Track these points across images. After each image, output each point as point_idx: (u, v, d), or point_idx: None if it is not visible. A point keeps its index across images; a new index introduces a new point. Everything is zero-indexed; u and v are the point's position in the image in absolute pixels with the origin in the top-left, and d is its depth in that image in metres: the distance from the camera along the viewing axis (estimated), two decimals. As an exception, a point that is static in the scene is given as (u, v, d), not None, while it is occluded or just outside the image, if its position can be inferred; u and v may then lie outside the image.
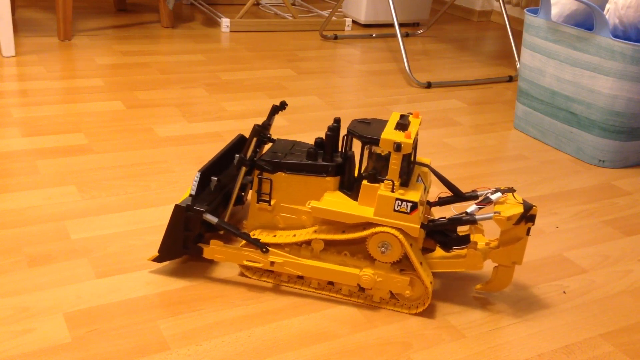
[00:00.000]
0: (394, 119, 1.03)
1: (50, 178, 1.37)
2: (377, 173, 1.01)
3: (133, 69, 2.07)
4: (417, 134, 1.04)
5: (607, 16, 1.63)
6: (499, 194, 1.02)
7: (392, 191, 0.98)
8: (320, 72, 2.22)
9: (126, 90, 1.89)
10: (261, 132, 1.06)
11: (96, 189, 1.34)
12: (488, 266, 1.15)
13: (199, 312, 1.01)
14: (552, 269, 1.21)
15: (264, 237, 1.07)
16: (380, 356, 0.95)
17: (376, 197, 0.99)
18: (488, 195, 1.03)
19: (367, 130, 1.01)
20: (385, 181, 0.99)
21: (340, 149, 1.07)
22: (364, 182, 1.01)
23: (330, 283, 1.08)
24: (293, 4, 3.10)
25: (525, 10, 1.79)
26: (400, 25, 2.58)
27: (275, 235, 1.07)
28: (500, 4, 2.53)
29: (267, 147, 1.53)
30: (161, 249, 1.08)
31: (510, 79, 2.31)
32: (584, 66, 1.63)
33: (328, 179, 1.05)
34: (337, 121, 1.06)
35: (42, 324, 0.95)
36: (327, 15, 2.74)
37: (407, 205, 0.98)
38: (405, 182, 1.01)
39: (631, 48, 1.53)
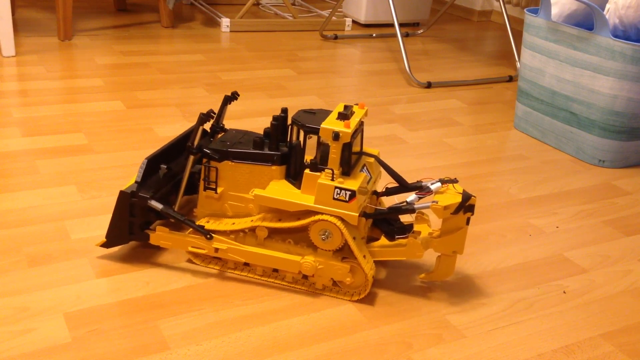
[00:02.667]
0: (338, 109, 1.05)
1: (50, 178, 1.37)
2: (323, 162, 1.02)
3: (133, 69, 2.07)
4: (361, 124, 1.06)
5: (607, 16, 1.63)
6: (438, 184, 1.04)
7: (332, 180, 1.00)
8: (320, 72, 2.22)
9: (126, 90, 1.89)
10: (206, 120, 1.07)
11: (96, 189, 1.34)
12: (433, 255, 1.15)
13: (199, 312, 1.01)
14: (552, 269, 1.21)
15: (211, 224, 1.09)
16: (380, 356, 0.95)
17: (316, 185, 1.01)
18: (428, 185, 1.04)
19: (309, 120, 1.04)
20: (325, 170, 1.01)
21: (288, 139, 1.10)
22: (306, 170, 1.03)
23: (275, 270, 1.10)
24: (293, 4, 3.10)
25: (525, 10, 1.79)
26: (400, 25, 2.57)
27: (233, 223, 1.09)
28: (500, 4, 2.53)
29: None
30: (108, 235, 1.09)
31: (510, 79, 2.31)
32: (584, 66, 1.63)
33: (274, 167, 1.07)
34: (284, 111, 1.08)
35: (42, 324, 0.95)
36: (327, 15, 2.74)
37: (345, 194, 0.99)
38: (346, 171, 1.02)
39: (631, 48, 1.53)
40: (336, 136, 0.99)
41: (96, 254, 1.12)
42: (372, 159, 1.10)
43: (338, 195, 1.00)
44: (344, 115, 1.01)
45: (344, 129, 0.99)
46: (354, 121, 1.02)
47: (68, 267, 1.09)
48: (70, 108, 1.73)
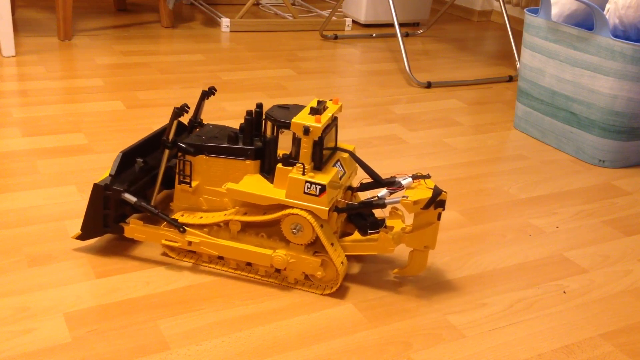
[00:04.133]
0: (311, 105, 1.05)
1: (50, 178, 1.37)
2: (296, 157, 1.03)
3: (133, 69, 2.07)
4: (334, 119, 1.07)
5: (607, 16, 1.63)
6: (409, 180, 1.05)
7: (303, 174, 1.01)
8: (320, 72, 2.22)
9: (126, 90, 1.89)
10: (180, 114, 1.07)
11: (96, 189, 1.34)
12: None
13: (199, 312, 1.01)
14: (552, 269, 1.21)
15: (185, 218, 1.10)
16: (380, 356, 0.95)
17: (287, 179, 1.02)
18: (400, 180, 1.05)
19: (282, 115, 1.05)
20: (297, 164, 1.02)
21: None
22: (279, 165, 1.04)
23: (249, 264, 1.10)
24: (293, 4, 3.10)
25: (525, 10, 1.79)
26: (400, 25, 2.57)
27: (201, 217, 1.10)
28: (500, 4, 2.53)
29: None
30: (83, 227, 1.10)
31: (510, 79, 2.31)
32: (584, 66, 1.63)
33: (247, 162, 1.08)
34: (259, 106, 1.09)
35: (42, 324, 0.95)
36: (327, 15, 2.74)
37: (316, 188, 1.00)
38: (318, 166, 1.03)
39: (631, 48, 1.53)
40: (306, 131, 1.00)
41: (96, 254, 1.12)
42: (346, 155, 1.11)
43: (309, 190, 1.01)
44: (316, 110, 1.03)
45: (315, 123, 1.00)
46: (325, 116, 1.03)
47: (68, 267, 1.09)
48: (70, 108, 1.73)
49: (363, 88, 2.10)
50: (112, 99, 1.82)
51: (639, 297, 1.14)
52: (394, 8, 2.30)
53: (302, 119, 1.01)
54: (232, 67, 2.18)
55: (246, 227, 1.09)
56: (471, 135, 1.79)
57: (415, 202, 1.01)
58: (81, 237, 1.12)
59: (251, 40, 2.52)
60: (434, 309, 1.06)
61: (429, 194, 1.02)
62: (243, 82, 2.04)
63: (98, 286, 1.05)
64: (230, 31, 2.62)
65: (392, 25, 2.83)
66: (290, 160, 1.03)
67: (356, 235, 1.08)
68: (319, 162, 1.03)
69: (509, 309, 1.08)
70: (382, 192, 1.06)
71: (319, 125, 1.00)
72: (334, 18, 2.74)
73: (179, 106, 1.08)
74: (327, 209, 1.00)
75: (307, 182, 1.00)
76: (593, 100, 1.63)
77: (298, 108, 1.08)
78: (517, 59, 2.39)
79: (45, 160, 1.44)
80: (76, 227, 1.19)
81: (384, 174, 1.51)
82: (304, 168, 1.01)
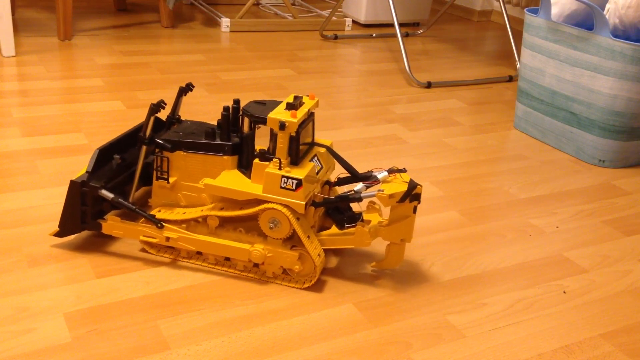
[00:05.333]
0: (288, 100, 1.06)
1: (50, 178, 1.37)
2: (272, 152, 1.04)
3: (133, 69, 2.07)
4: (311, 114, 1.08)
5: (607, 16, 1.63)
6: (385, 174, 1.06)
7: (280, 169, 1.02)
8: (320, 72, 2.22)
9: (126, 90, 1.89)
10: (156, 110, 1.08)
11: (96, 189, 1.34)
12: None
13: (199, 312, 1.01)
14: (552, 269, 1.21)
15: (163, 214, 1.11)
16: (380, 356, 0.95)
17: (264, 174, 1.03)
18: (376, 174, 1.06)
19: (258, 110, 1.06)
20: (274, 159, 1.02)
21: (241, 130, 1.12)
22: (256, 160, 1.04)
23: (228, 259, 1.11)
24: (293, 4, 3.10)
25: (525, 10, 1.79)
26: (400, 25, 2.57)
27: (179, 213, 1.11)
28: (500, 4, 2.53)
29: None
30: (61, 224, 1.11)
31: (510, 79, 2.31)
32: (584, 66, 1.63)
33: (225, 157, 1.09)
34: (236, 102, 1.10)
35: (42, 324, 0.95)
36: (327, 15, 2.74)
37: (292, 182, 1.01)
38: (294, 161, 1.03)
39: (631, 48, 1.53)
40: (282, 126, 1.00)
41: (96, 254, 1.12)
42: (323, 149, 1.11)
43: (285, 184, 1.02)
44: (292, 106, 1.03)
45: (291, 118, 1.01)
46: (301, 111, 1.03)
47: (68, 267, 1.09)
48: (70, 108, 1.73)
49: (363, 88, 2.10)
50: (112, 99, 1.82)
51: (638, 297, 1.14)
52: (394, 8, 2.30)
53: (278, 114, 1.02)
54: (232, 67, 2.18)
55: (224, 222, 1.10)
56: (471, 135, 1.80)
57: (391, 196, 1.02)
58: (59, 234, 1.12)
59: (251, 40, 2.52)
60: (434, 309, 1.06)
61: (404, 187, 1.03)
62: (243, 82, 2.04)
63: (98, 286, 1.05)
64: (230, 31, 2.62)
65: (392, 25, 2.83)
66: (266, 155, 1.04)
67: (334, 229, 1.09)
68: (296, 157, 1.04)
69: (509, 309, 1.08)
70: (359, 186, 1.07)
71: (295, 120, 1.01)
72: (334, 18, 2.74)
73: (155, 102, 1.09)
74: (304, 203, 1.01)
75: (283, 176, 1.02)
76: (593, 100, 1.63)
77: (275, 103, 1.09)
78: (517, 59, 2.39)
79: (45, 160, 1.44)
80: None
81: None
82: (280, 163, 1.02)
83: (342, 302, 1.06)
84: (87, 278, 1.06)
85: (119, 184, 1.14)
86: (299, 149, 1.04)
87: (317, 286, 1.09)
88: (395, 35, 2.57)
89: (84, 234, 1.18)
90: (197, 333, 0.96)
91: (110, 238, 1.17)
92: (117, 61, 2.14)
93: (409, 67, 2.19)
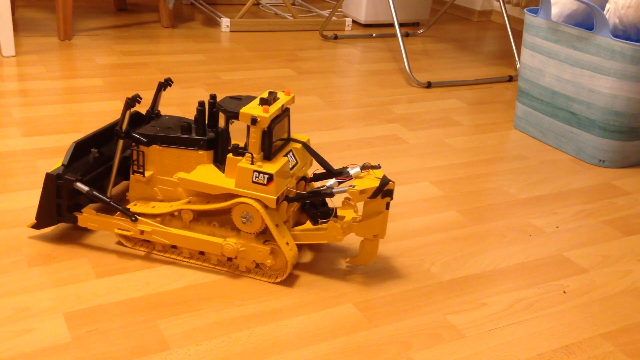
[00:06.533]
0: (263, 95, 1.06)
1: (50, 178, 1.37)
2: (246, 146, 1.05)
3: (133, 69, 2.07)
4: (286, 110, 1.09)
5: (607, 16, 1.63)
6: (357, 169, 1.06)
7: (252, 163, 1.02)
8: (320, 72, 2.22)
9: (126, 90, 1.89)
10: (131, 104, 1.09)
11: (96, 189, 1.34)
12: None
13: (199, 312, 1.01)
14: (552, 269, 1.21)
15: (138, 207, 1.12)
16: (380, 356, 0.95)
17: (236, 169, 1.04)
18: (348, 170, 1.07)
19: (232, 105, 1.06)
20: (246, 154, 1.03)
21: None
22: (229, 155, 1.05)
23: (202, 253, 1.12)
24: (293, 4, 3.10)
25: (525, 10, 1.79)
26: (400, 25, 2.57)
27: (153, 206, 1.12)
28: (500, 4, 2.53)
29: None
30: (37, 216, 1.12)
31: (510, 79, 2.31)
32: (584, 66, 1.63)
33: (201, 152, 1.10)
34: (212, 97, 1.11)
35: (42, 324, 0.95)
36: (327, 15, 2.74)
37: (264, 177, 1.02)
38: (267, 156, 1.04)
39: (631, 48, 1.53)
40: (254, 121, 1.01)
41: (96, 254, 1.12)
42: (299, 145, 1.12)
43: (257, 179, 1.02)
44: (265, 101, 1.04)
45: (262, 113, 1.01)
46: (275, 107, 1.04)
47: (68, 267, 1.09)
48: (70, 108, 1.73)
49: (363, 88, 2.10)
50: (112, 99, 1.82)
51: (638, 297, 1.14)
52: (394, 8, 2.30)
53: (251, 109, 1.03)
54: (232, 67, 2.18)
55: (200, 216, 1.11)
56: (471, 135, 1.79)
57: (362, 191, 1.02)
58: (36, 226, 1.13)
59: (251, 40, 2.52)
60: (434, 309, 1.06)
61: (376, 183, 1.03)
62: (243, 82, 2.04)
63: (98, 286, 1.05)
64: (230, 31, 2.62)
65: (392, 25, 2.83)
66: (240, 150, 1.05)
67: (308, 224, 1.10)
68: (269, 152, 1.04)
69: (509, 309, 1.08)
70: (331, 181, 1.08)
71: (267, 115, 1.01)
72: (334, 18, 2.74)
73: (130, 97, 1.10)
74: (275, 197, 1.02)
75: (255, 171, 1.02)
76: (593, 100, 1.63)
77: (250, 99, 1.10)
78: (517, 59, 2.39)
79: (45, 160, 1.44)
80: (76, 227, 1.19)
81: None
82: (252, 157, 1.03)
83: (342, 302, 1.06)
84: (87, 278, 1.06)
85: (96, 178, 1.15)
86: (271, 144, 1.04)
87: (317, 286, 1.09)
88: (395, 35, 2.57)
89: (84, 234, 1.18)
90: (197, 333, 0.96)
91: (111, 238, 1.17)
92: (117, 61, 2.14)
93: (409, 67, 2.19)
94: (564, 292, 1.14)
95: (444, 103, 2.03)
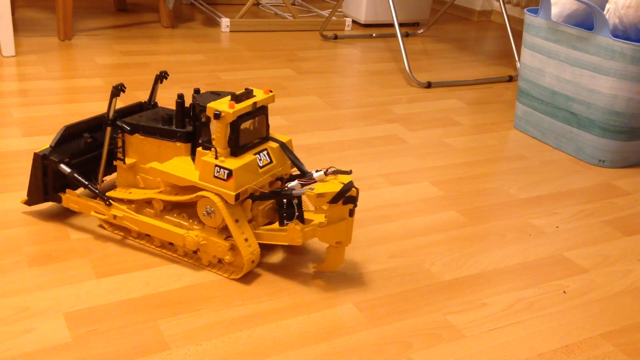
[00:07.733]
0: (239, 92, 1.07)
1: (50, 178, 1.37)
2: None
3: (133, 69, 2.07)
4: (262, 108, 1.09)
5: (607, 16, 1.63)
6: (321, 173, 1.05)
7: (216, 158, 1.03)
8: (320, 72, 2.22)
9: (126, 90, 1.89)
10: (117, 93, 1.11)
11: (96, 189, 1.34)
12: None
13: (199, 312, 1.01)
14: (552, 269, 1.21)
15: (117, 192, 1.15)
16: (380, 356, 0.95)
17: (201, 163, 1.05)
18: (312, 173, 1.07)
19: (206, 100, 1.07)
20: (212, 148, 1.04)
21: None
22: (198, 149, 1.06)
23: (172, 243, 1.13)
24: (293, 4, 3.10)
25: (525, 10, 1.79)
26: (400, 25, 2.57)
27: (130, 192, 1.15)
28: (500, 4, 2.53)
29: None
30: (29, 193, 1.19)
31: (510, 79, 2.31)
32: (584, 66, 1.63)
33: (179, 144, 1.12)
34: (197, 91, 1.12)
35: (42, 324, 0.95)
36: (327, 15, 2.74)
37: (224, 172, 1.03)
38: (234, 152, 1.05)
39: (631, 48, 1.53)
40: (217, 115, 1.02)
41: (96, 254, 1.12)
42: (276, 145, 1.12)
43: (218, 174, 1.03)
44: (236, 97, 1.05)
45: (227, 109, 1.02)
46: (245, 103, 1.04)
47: (68, 267, 1.09)
48: (70, 108, 1.73)
49: (363, 88, 2.10)
50: (112, 99, 1.82)
51: (638, 297, 1.14)
52: (394, 8, 2.30)
53: (218, 104, 1.03)
54: (232, 67, 2.18)
55: (173, 207, 1.13)
56: (471, 135, 1.80)
57: (319, 195, 1.01)
58: (28, 202, 1.19)
59: (251, 40, 2.52)
60: (434, 309, 1.06)
61: (337, 188, 1.01)
62: (243, 82, 2.04)
63: (98, 286, 1.05)
64: (230, 31, 2.62)
65: (392, 25, 2.83)
66: (206, 144, 1.06)
67: (276, 224, 1.10)
68: (235, 148, 1.04)
69: (509, 309, 1.08)
70: (293, 182, 1.07)
71: (231, 110, 1.02)
72: (334, 18, 2.74)
73: (116, 85, 1.12)
74: (234, 194, 1.02)
75: (216, 166, 1.03)
76: (593, 100, 1.63)
77: (227, 95, 1.10)
78: (517, 59, 2.39)
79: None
80: (76, 227, 1.19)
81: (382, 173, 1.51)
82: (216, 152, 1.03)
83: (342, 302, 1.06)
84: (87, 278, 1.06)
85: (86, 162, 1.19)
86: (238, 140, 1.05)
87: (317, 286, 1.09)
88: (395, 35, 2.57)
89: (84, 234, 1.18)
90: (197, 333, 0.96)
91: (111, 238, 1.17)
92: (117, 61, 2.14)
93: (409, 67, 2.19)
94: (564, 292, 1.14)
95: (444, 103, 2.03)
